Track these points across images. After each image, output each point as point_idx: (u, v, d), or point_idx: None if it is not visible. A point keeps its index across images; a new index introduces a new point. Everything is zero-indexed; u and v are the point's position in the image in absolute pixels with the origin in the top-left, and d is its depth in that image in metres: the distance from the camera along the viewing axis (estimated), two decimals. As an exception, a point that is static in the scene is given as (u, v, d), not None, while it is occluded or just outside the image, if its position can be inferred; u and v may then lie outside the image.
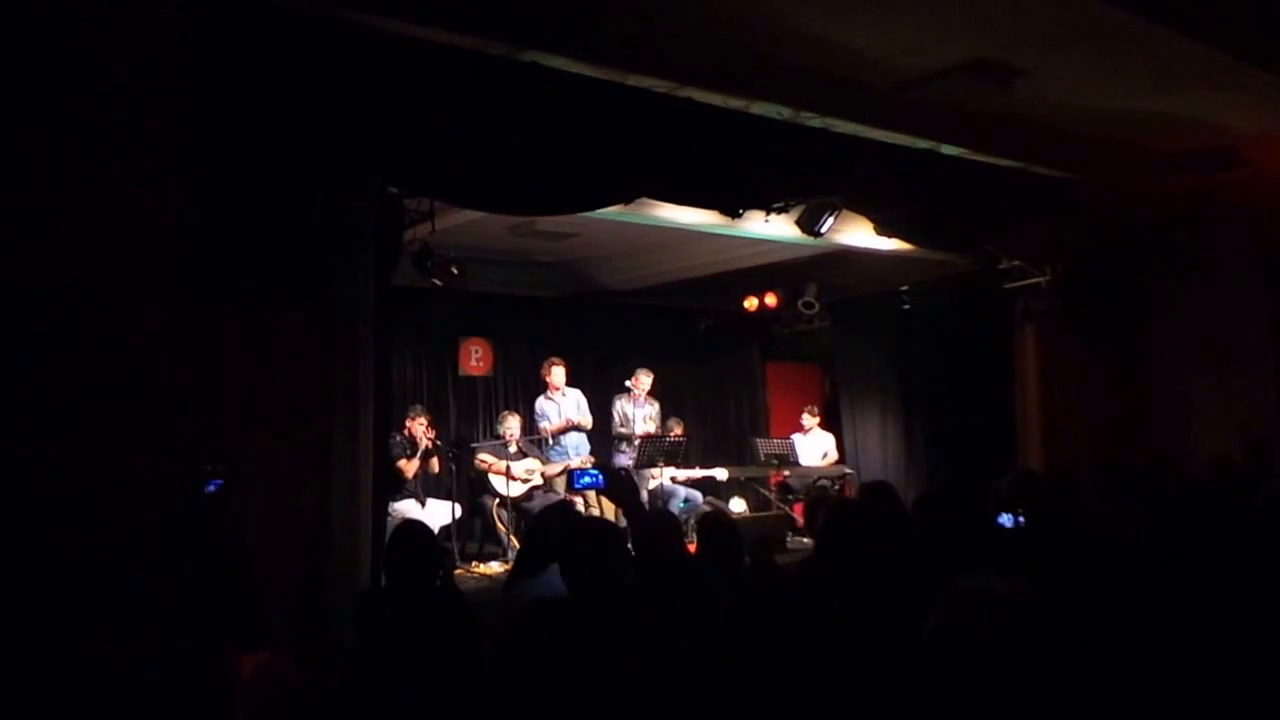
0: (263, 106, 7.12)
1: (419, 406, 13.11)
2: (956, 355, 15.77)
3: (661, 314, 17.08)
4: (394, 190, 8.61)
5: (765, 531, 13.13)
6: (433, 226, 9.65)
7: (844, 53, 8.42)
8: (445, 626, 5.88)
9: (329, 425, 7.87)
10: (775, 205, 10.79)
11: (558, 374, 14.10)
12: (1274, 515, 5.94)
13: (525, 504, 12.99)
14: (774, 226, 11.39)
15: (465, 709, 5.27)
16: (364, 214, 8.18)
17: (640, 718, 4.03)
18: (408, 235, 9.45)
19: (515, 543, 12.35)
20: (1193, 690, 3.54)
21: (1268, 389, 13.18)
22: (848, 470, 16.07)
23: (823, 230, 11.33)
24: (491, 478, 13.19)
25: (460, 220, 10.59)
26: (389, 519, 9.17)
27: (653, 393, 14.77)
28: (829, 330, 16.85)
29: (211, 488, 6.57)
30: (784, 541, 13.52)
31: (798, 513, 14.88)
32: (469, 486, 13.50)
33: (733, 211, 10.64)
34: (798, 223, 11.37)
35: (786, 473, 15.63)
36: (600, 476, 12.70)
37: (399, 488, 12.09)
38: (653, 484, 13.72)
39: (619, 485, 8.06)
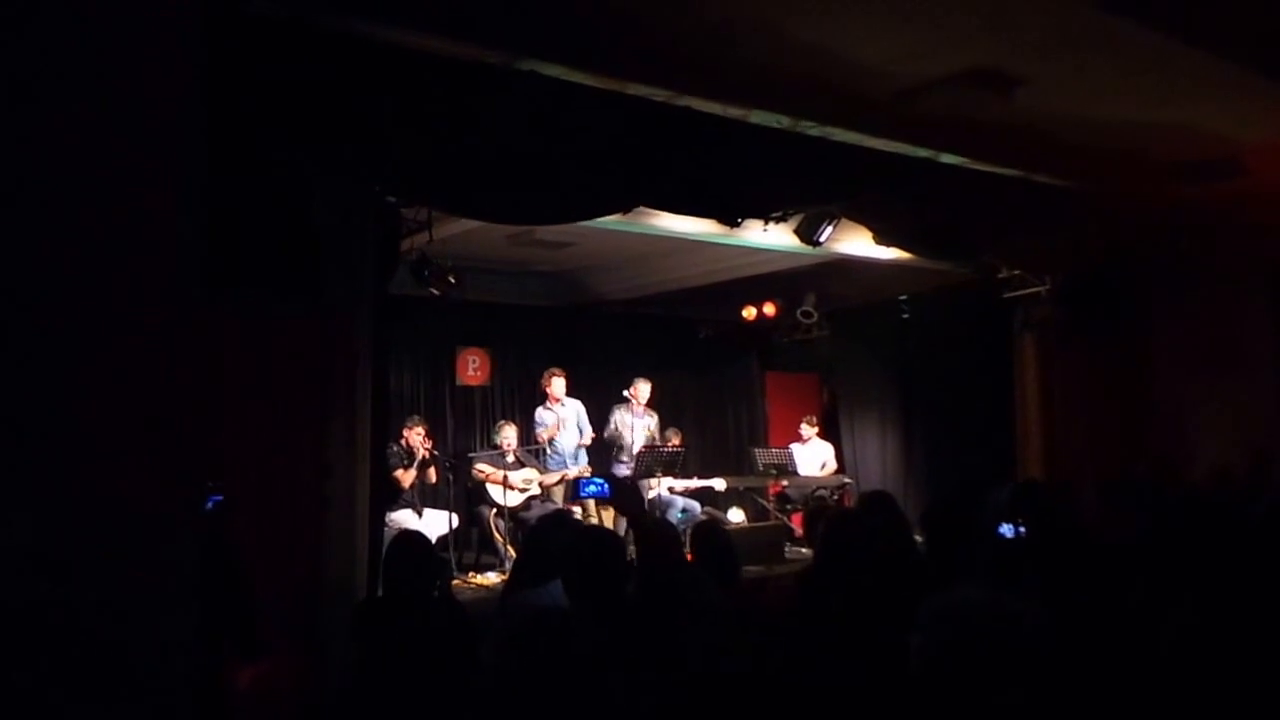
0: (261, 115, 7.12)
1: (416, 416, 13.10)
2: (956, 364, 15.74)
3: (659, 324, 17.09)
4: (392, 199, 8.62)
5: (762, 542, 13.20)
6: (430, 236, 9.65)
7: (843, 61, 8.43)
8: (443, 637, 5.87)
9: (326, 435, 7.88)
10: (774, 214, 10.78)
11: (558, 385, 14.09)
12: (1275, 527, 5.95)
13: (523, 514, 12.98)
14: (772, 236, 11.39)
15: (463, 720, 5.27)
16: (362, 223, 8.19)
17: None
18: (405, 244, 9.46)
19: (512, 552, 12.33)
20: (1193, 700, 3.55)
21: (1269, 399, 13.17)
22: (846, 480, 16.05)
23: (821, 239, 11.33)
24: (489, 487, 13.19)
25: (458, 229, 10.60)
26: (386, 529, 9.18)
27: (651, 403, 14.77)
28: (827, 340, 16.87)
29: (210, 504, 6.58)
30: (782, 551, 13.51)
31: (796, 523, 14.88)
32: (466, 496, 13.50)
33: (731, 220, 10.65)
34: (796, 232, 11.37)
35: (785, 483, 15.61)
36: (605, 485, 12.71)
37: (396, 498, 12.09)
38: (651, 494, 13.70)
39: (624, 494, 8.05)
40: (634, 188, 9.43)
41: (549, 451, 13.94)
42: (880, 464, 17.67)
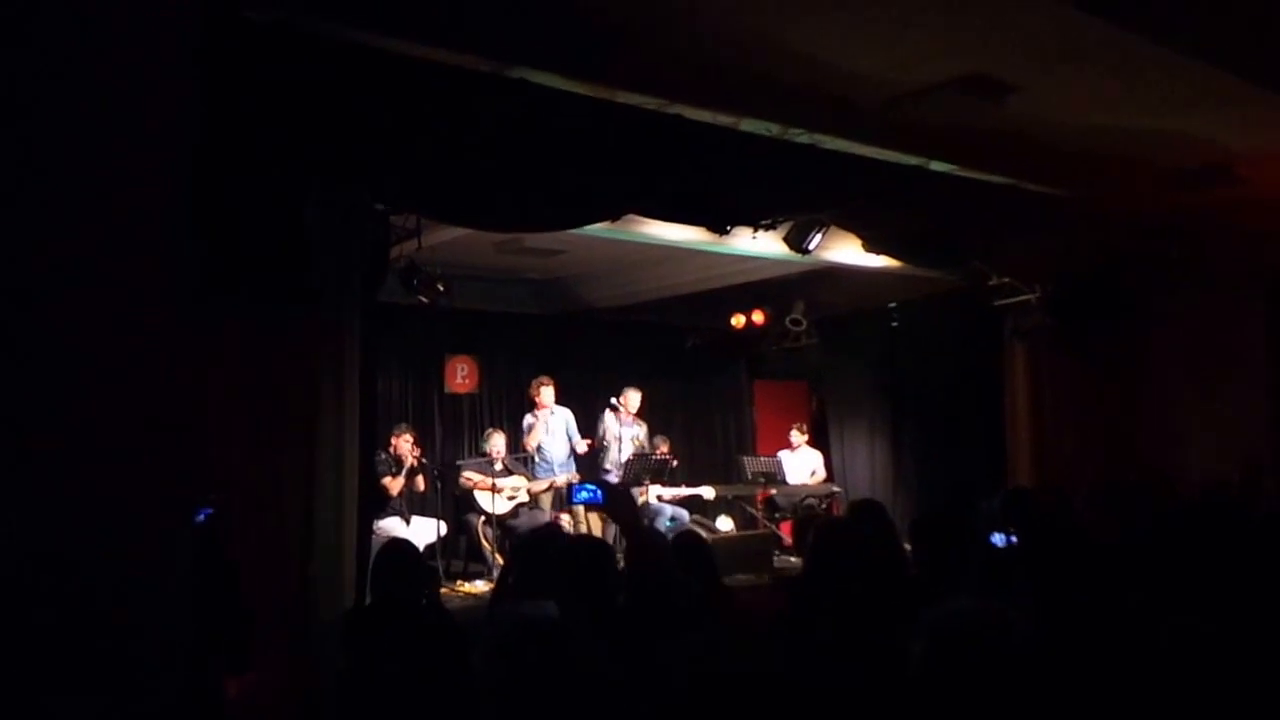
0: (252, 121, 7.11)
1: (404, 424, 13.10)
2: (945, 372, 15.75)
3: (648, 331, 17.09)
4: (381, 206, 8.60)
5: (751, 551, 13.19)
6: (419, 243, 9.64)
7: (833, 69, 8.43)
8: (431, 645, 5.85)
9: (314, 442, 7.86)
10: (763, 222, 10.77)
11: (547, 393, 14.10)
12: (1268, 538, 5.95)
13: (511, 521, 12.99)
14: (762, 243, 11.38)
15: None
16: (351, 230, 8.17)
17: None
18: (394, 252, 9.44)
19: (500, 560, 12.32)
20: (1189, 706, 3.54)
21: (1261, 408, 13.19)
22: (835, 488, 16.03)
23: (811, 247, 11.33)
24: (477, 495, 13.19)
25: (447, 237, 10.60)
26: (374, 537, 9.16)
27: (641, 412, 14.77)
28: (816, 347, 16.84)
29: (202, 516, 6.57)
30: (771, 560, 13.51)
31: (785, 531, 14.88)
32: (454, 504, 13.48)
33: (720, 228, 10.64)
34: (785, 239, 11.36)
35: (773, 491, 15.60)
36: (599, 492, 12.71)
37: (384, 506, 12.07)
38: (639, 502, 13.68)
39: (618, 501, 8.07)
40: (623, 195, 9.42)
41: (537, 459, 13.95)
42: (869, 472, 17.66)
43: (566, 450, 14.11)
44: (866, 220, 11.36)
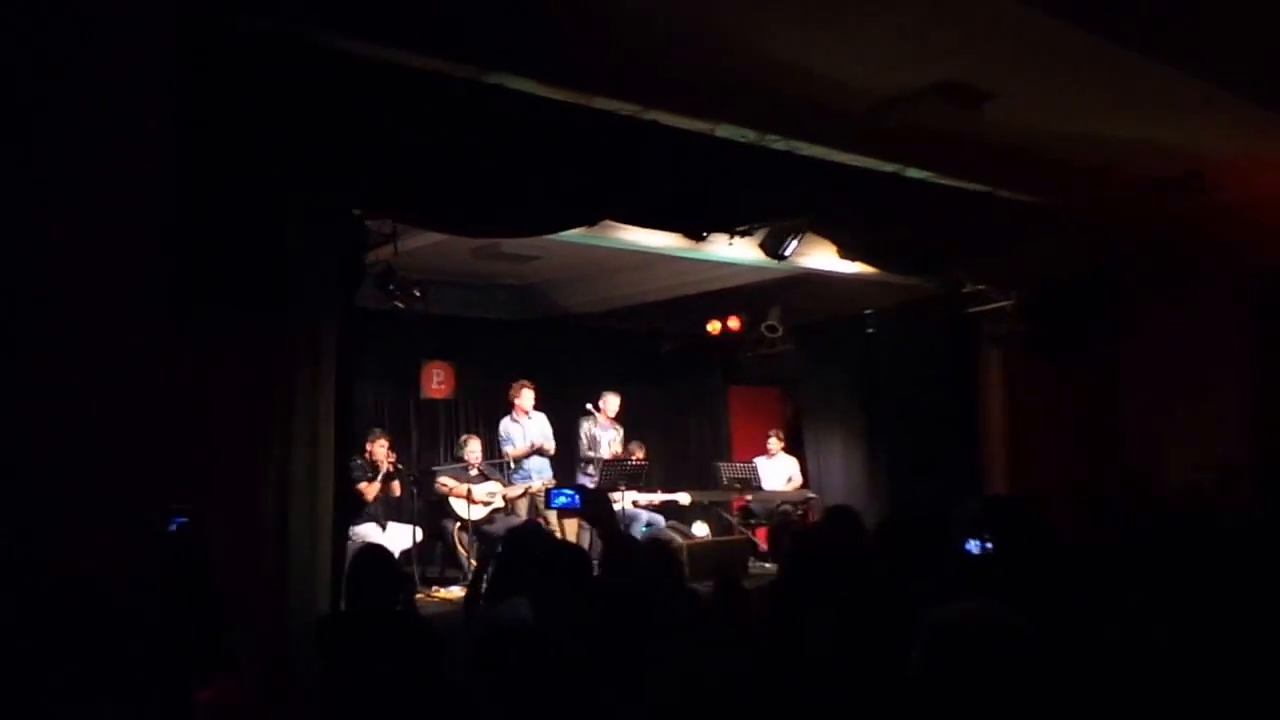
0: (225, 127, 7.07)
1: (379, 429, 13.08)
2: (921, 379, 15.70)
3: (624, 337, 17.06)
4: (357, 211, 8.56)
5: (727, 558, 13.15)
6: (395, 248, 9.60)
7: (811, 76, 8.44)
8: (405, 651, 5.83)
9: (289, 447, 7.81)
10: (739, 228, 10.75)
11: (527, 397, 14.10)
12: (1241, 546, 5.96)
13: (486, 526, 12.96)
14: (738, 250, 11.36)
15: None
16: (327, 235, 8.13)
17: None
18: (370, 257, 9.39)
19: (475, 565, 12.28)
20: (1168, 711, 3.54)
21: (1237, 414, 13.20)
22: (811, 495, 16.00)
23: (787, 253, 11.30)
24: (452, 501, 13.17)
25: (424, 242, 10.57)
26: (350, 543, 9.12)
27: (618, 417, 14.76)
28: (792, 354, 16.79)
29: (175, 526, 6.53)
30: (746, 566, 13.49)
31: (760, 537, 14.87)
32: (430, 510, 13.44)
33: (697, 234, 10.64)
34: (762, 246, 11.33)
35: (749, 497, 15.58)
36: (576, 497, 12.70)
37: (360, 511, 12.03)
38: (615, 508, 13.66)
39: (596, 506, 8.04)
40: (600, 201, 9.41)
41: (512, 464, 13.90)
42: (845, 478, 17.59)
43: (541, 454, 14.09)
44: (842, 227, 11.35)
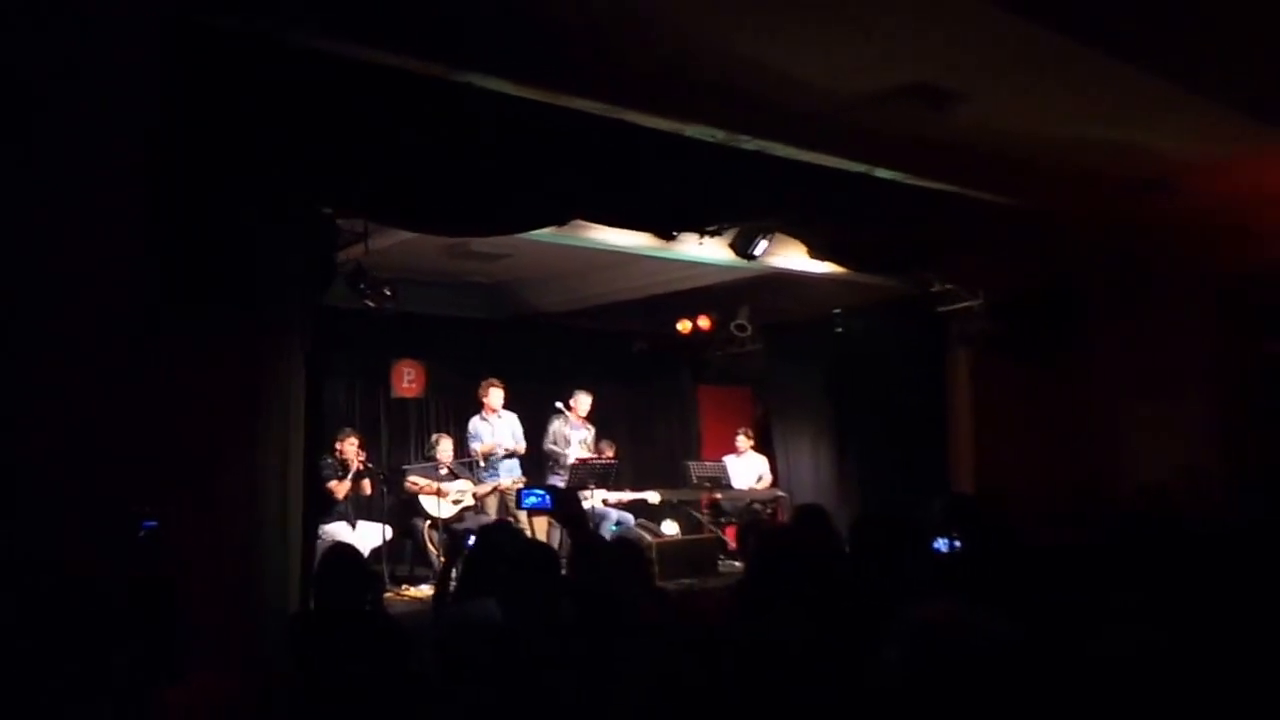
0: (195, 125, 7.04)
1: (349, 428, 13.04)
2: (890, 378, 15.71)
3: (594, 336, 17.04)
4: (328, 211, 8.53)
5: (696, 556, 13.18)
6: (366, 247, 9.59)
7: (781, 76, 8.45)
8: (373, 650, 5.82)
9: (259, 446, 7.79)
10: (709, 228, 10.74)
11: (495, 396, 14.06)
12: (1209, 549, 5.98)
13: (456, 525, 12.93)
14: (708, 249, 11.37)
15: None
16: (297, 234, 8.11)
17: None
18: (341, 256, 9.37)
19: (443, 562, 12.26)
20: (1131, 714, 3.54)
21: (1204, 416, 13.24)
22: (780, 493, 16.00)
23: (756, 253, 11.31)
24: (422, 499, 13.15)
25: (394, 241, 10.54)
26: (319, 541, 9.11)
27: (589, 416, 14.76)
28: (761, 353, 16.80)
29: (143, 530, 6.49)
30: (715, 564, 13.50)
31: (730, 535, 14.87)
32: (400, 509, 13.42)
33: (667, 234, 10.64)
34: (731, 245, 11.33)
35: (718, 495, 15.58)
36: (547, 497, 12.70)
37: (329, 510, 12.00)
38: (584, 507, 13.65)
39: (567, 506, 8.03)
40: (570, 200, 9.41)
41: (482, 463, 13.88)
42: (814, 477, 17.61)
43: (510, 453, 14.07)
44: (812, 227, 11.36)
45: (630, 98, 8.79)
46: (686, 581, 12.22)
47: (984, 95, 8.84)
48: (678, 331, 16.28)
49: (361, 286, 10.40)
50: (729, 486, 15.63)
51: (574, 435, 14.47)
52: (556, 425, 14.52)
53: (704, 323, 15.93)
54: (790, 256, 12.35)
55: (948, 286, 13.78)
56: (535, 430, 14.64)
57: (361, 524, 12.52)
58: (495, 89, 8.35)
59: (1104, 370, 13.90)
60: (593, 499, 13.76)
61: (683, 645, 5.10)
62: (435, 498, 13.03)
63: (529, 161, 8.76)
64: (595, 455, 14.47)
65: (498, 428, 14.03)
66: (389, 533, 12.55)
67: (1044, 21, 7.54)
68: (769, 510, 15.28)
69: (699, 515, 15.53)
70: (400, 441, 15.60)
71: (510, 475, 13.89)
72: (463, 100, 8.25)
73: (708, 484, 15.57)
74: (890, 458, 15.84)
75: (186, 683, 6.54)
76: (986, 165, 10.62)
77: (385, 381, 15.21)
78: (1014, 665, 3.02)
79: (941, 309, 14.07)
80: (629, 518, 14.24)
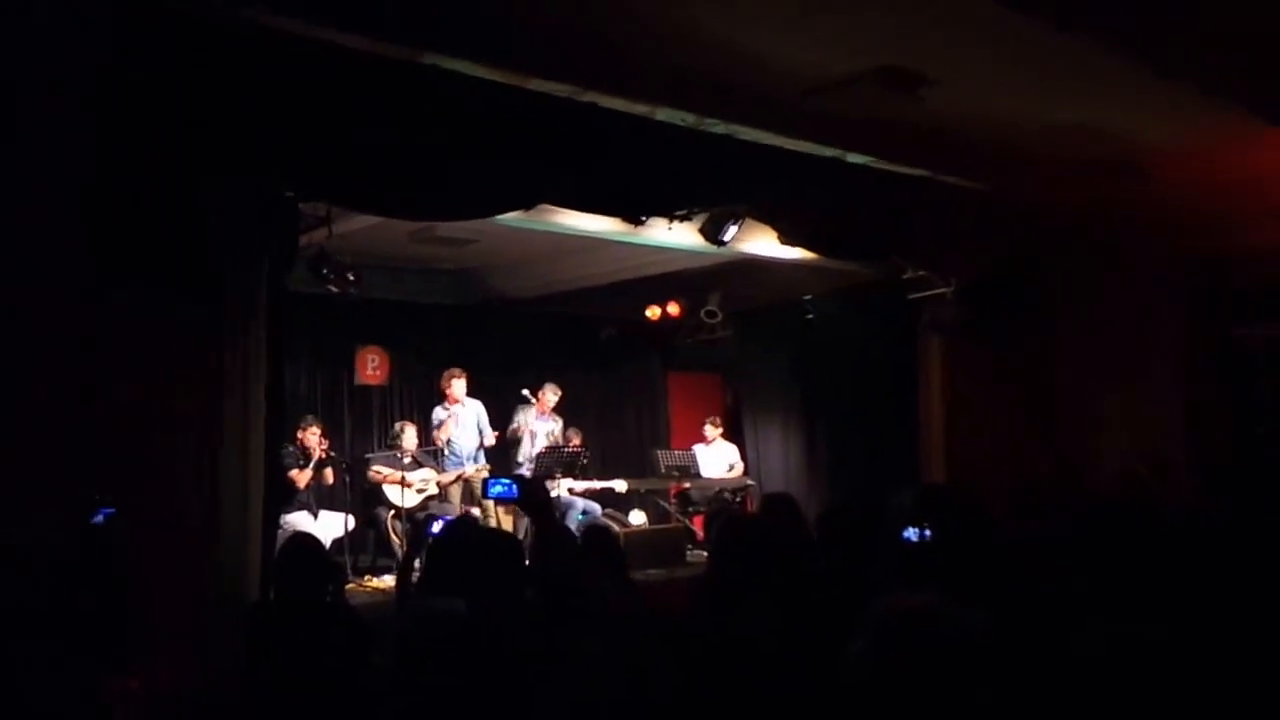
0: (154, 105, 7.00)
1: (311, 416, 12.99)
2: (860, 366, 15.70)
3: (562, 322, 17.03)
4: (290, 194, 8.49)
5: (664, 546, 13.19)
6: (329, 231, 9.55)
7: (750, 59, 8.43)
8: (335, 641, 5.80)
9: (218, 435, 7.75)
10: (678, 213, 10.73)
11: (458, 386, 13.98)
12: (1179, 538, 5.99)
13: (419, 515, 12.89)
14: (677, 234, 11.35)
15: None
16: (259, 217, 8.06)
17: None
18: (304, 240, 9.32)
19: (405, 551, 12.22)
20: (1102, 710, 3.54)
21: (1174, 403, 13.30)
22: (749, 482, 16.04)
23: (726, 239, 11.29)
24: (386, 488, 13.11)
25: (358, 225, 10.48)
26: (280, 531, 9.07)
27: (558, 408, 14.74)
28: (731, 340, 16.81)
29: (100, 517, 6.46)
30: (683, 555, 13.51)
31: (698, 525, 14.88)
32: (363, 498, 13.38)
33: (635, 219, 10.62)
34: (701, 231, 11.31)
35: (687, 484, 15.58)
36: (513, 486, 12.67)
37: (290, 499, 11.96)
38: (550, 496, 13.64)
39: (533, 496, 8.02)
40: (536, 184, 9.38)
41: (446, 452, 13.85)
42: (783, 466, 17.63)
43: (476, 443, 14.05)
44: (782, 212, 11.35)
45: (598, 80, 8.77)
46: (653, 572, 12.22)
47: (954, 79, 8.84)
48: (647, 318, 16.26)
49: (325, 271, 10.35)
50: (698, 476, 15.62)
51: (540, 427, 14.44)
52: (523, 414, 14.48)
53: (673, 309, 15.93)
54: (760, 242, 12.34)
55: (919, 273, 13.77)
56: (503, 418, 14.60)
57: (323, 514, 12.49)
58: (460, 71, 8.31)
59: (1073, 356, 13.95)
60: (559, 488, 13.74)
61: (650, 637, 5.10)
62: (399, 487, 12.99)
63: (495, 145, 8.73)
64: (562, 444, 14.45)
65: (462, 417, 13.96)
66: (351, 523, 12.52)
67: (1014, 2, 7.54)
68: (738, 499, 15.29)
69: (667, 505, 15.53)
70: (363, 430, 15.53)
71: (475, 464, 13.85)
72: (427, 82, 8.22)
73: (676, 473, 15.55)
74: (861, 445, 15.85)
75: (140, 672, 6.51)
76: (957, 150, 10.64)
77: (348, 368, 15.12)
78: (984, 657, 3.01)
79: (913, 295, 14.06)
80: (596, 507, 14.22)
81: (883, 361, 15.14)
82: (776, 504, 7.52)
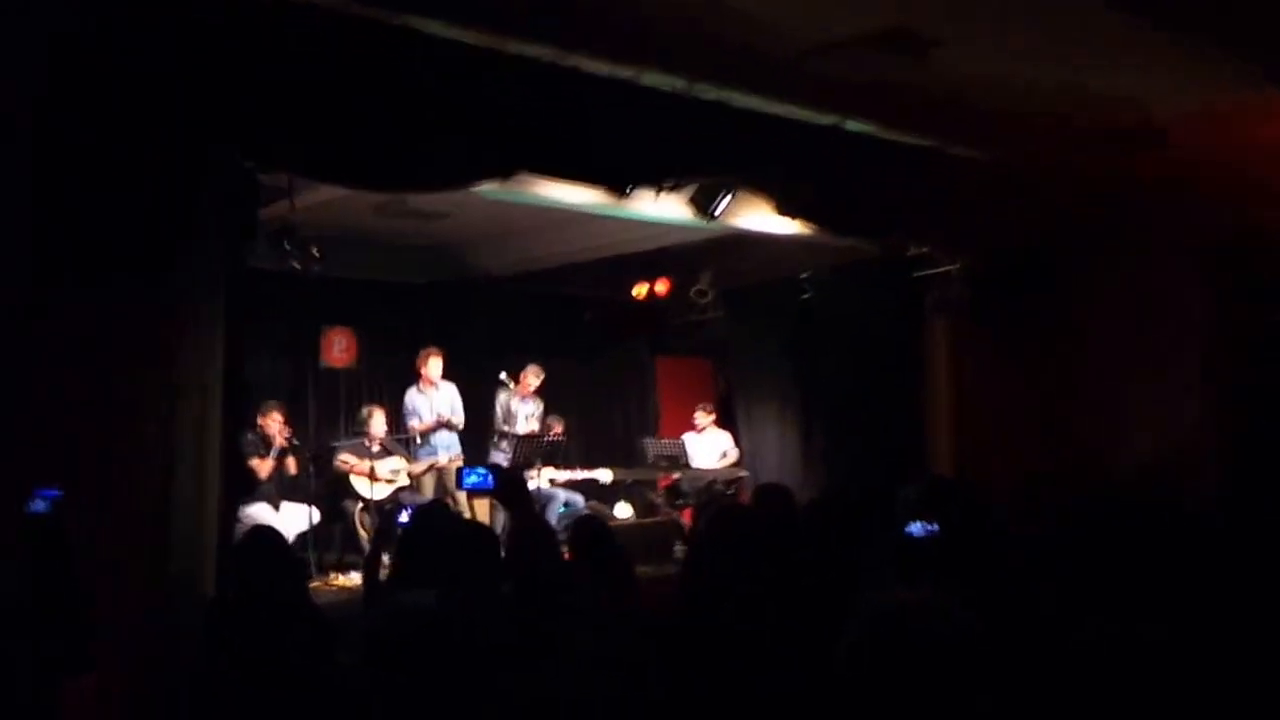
0: (97, 65, 6.97)
1: (272, 402, 12.92)
2: (861, 349, 15.62)
3: (542, 302, 16.98)
4: (249, 164, 8.47)
5: (651, 541, 13.18)
6: (292, 204, 9.54)
7: (744, 18, 8.41)
8: (297, 639, 5.80)
9: (173, 422, 7.74)
10: (666, 183, 10.70)
11: (434, 366, 13.98)
12: (1193, 531, 6.02)
13: (389, 507, 12.87)
14: (665, 207, 11.32)
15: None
16: (215, 190, 8.04)
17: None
18: (264, 214, 9.30)
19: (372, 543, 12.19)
20: (1108, 706, 3.56)
21: (1195, 390, 13.26)
22: (742, 473, 16.01)
23: (717, 211, 11.27)
24: (353, 479, 13.08)
25: (323, 198, 10.48)
26: (239, 524, 9.06)
27: (539, 391, 14.73)
28: (723, 321, 16.77)
29: (45, 502, 6.43)
30: (671, 550, 13.51)
31: (687, 518, 14.87)
32: (329, 489, 13.35)
33: (620, 190, 10.58)
34: (691, 202, 11.29)
35: (677, 475, 15.57)
36: (489, 476, 12.66)
37: (251, 490, 11.93)
38: (530, 487, 13.62)
39: (510, 487, 8.01)
40: (514, 153, 9.36)
41: (419, 440, 13.83)
42: (778, 455, 17.57)
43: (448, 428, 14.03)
44: (778, 183, 11.34)
45: (580, 42, 8.76)
46: (640, 569, 12.21)
47: (961, 40, 8.83)
48: (633, 297, 16.23)
49: (287, 247, 10.33)
50: (688, 466, 15.61)
51: (521, 409, 14.44)
52: (502, 398, 14.48)
53: (661, 287, 15.88)
54: (754, 216, 12.32)
55: (924, 250, 13.73)
56: (477, 404, 14.58)
57: (286, 506, 12.44)
58: (434, 32, 8.30)
59: (1092, 340, 13.88)
60: (539, 479, 13.73)
61: (641, 634, 5.11)
62: (367, 479, 12.96)
63: (470, 111, 8.72)
64: (542, 431, 14.45)
65: (436, 400, 13.97)
66: (316, 516, 12.48)
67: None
68: (731, 491, 15.28)
69: (655, 497, 15.53)
70: (329, 416, 15.46)
71: (448, 452, 13.85)
72: (397, 44, 8.20)
73: (665, 463, 15.54)
74: (861, 435, 15.79)
75: (93, 672, 6.51)
76: (966, 118, 10.63)
77: (313, 351, 15.10)
78: (977, 654, 3.02)
79: (917, 274, 14.01)
80: (579, 499, 14.24)
81: (884, 344, 15.08)
82: (770, 495, 7.53)
